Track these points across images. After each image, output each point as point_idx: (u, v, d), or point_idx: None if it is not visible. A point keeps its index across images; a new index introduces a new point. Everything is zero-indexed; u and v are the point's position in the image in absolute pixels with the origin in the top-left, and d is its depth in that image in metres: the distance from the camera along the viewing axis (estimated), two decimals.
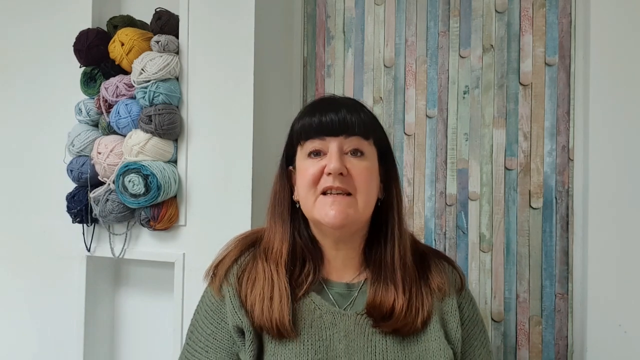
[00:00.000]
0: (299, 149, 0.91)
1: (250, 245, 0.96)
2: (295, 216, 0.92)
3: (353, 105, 0.90)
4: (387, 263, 0.90)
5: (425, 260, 0.96)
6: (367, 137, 0.88)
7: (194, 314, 0.96)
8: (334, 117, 0.86)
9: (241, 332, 0.88)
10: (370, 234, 0.93)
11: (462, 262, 1.42)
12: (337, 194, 0.85)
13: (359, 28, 1.57)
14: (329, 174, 0.85)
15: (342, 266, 0.93)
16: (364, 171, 0.87)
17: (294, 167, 0.93)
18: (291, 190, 0.93)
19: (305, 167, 0.88)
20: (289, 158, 0.94)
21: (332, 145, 0.86)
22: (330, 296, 0.91)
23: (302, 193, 0.88)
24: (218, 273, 0.93)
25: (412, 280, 0.90)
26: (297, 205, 0.92)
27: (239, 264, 0.93)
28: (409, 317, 0.86)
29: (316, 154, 0.88)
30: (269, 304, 0.85)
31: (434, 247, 1.06)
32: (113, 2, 1.69)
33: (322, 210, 0.86)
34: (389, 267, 0.89)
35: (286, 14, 1.61)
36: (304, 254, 0.91)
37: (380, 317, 0.87)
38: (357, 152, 0.87)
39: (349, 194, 0.86)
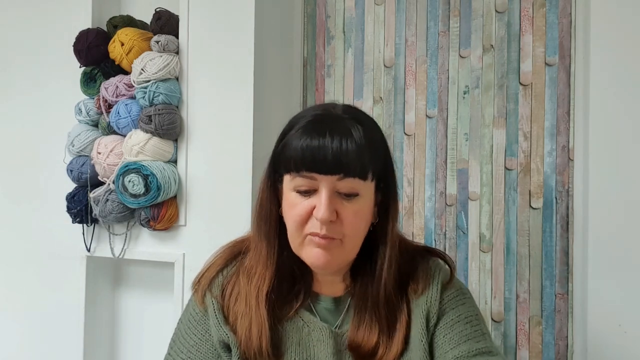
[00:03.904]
0: (286, 176, 0.80)
1: (236, 255, 0.91)
2: (282, 233, 0.84)
3: (354, 132, 0.77)
4: (372, 295, 0.84)
5: (413, 263, 0.89)
6: (365, 177, 0.78)
7: (177, 324, 0.93)
8: (328, 151, 0.75)
9: (227, 347, 0.86)
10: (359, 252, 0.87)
11: (462, 262, 1.42)
12: (324, 237, 0.78)
13: (359, 28, 1.57)
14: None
15: (331, 282, 0.89)
16: (355, 216, 0.79)
17: (281, 178, 0.83)
18: (278, 202, 0.85)
19: (292, 202, 0.79)
20: (276, 167, 0.83)
21: (324, 186, 0.77)
22: (319, 312, 0.87)
23: (289, 229, 0.82)
24: (202, 283, 0.90)
25: (395, 306, 0.84)
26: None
27: (224, 274, 0.89)
28: (390, 353, 0.82)
29: (305, 191, 0.79)
30: (248, 334, 0.82)
31: (427, 245, 1.00)
32: (113, 2, 1.69)
33: (309, 253, 0.80)
34: (374, 301, 0.84)
35: (286, 14, 1.61)
36: (293, 273, 0.85)
37: (363, 355, 0.83)
38: (351, 195, 0.78)
39: (335, 238, 0.79)
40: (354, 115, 0.81)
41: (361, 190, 0.78)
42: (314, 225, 0.78)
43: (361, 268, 0.86)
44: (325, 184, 0.77)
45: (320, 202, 0.76)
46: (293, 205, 0.79)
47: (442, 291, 0.87)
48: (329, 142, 0.75)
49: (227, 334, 0.84)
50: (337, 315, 0.87)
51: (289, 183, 0.80)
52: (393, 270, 0.84)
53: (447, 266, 0.91)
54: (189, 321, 0.90)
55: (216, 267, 0.90)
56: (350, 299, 0.87)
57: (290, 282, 0.86)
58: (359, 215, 0.79)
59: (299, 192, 0.79)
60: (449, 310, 0.86)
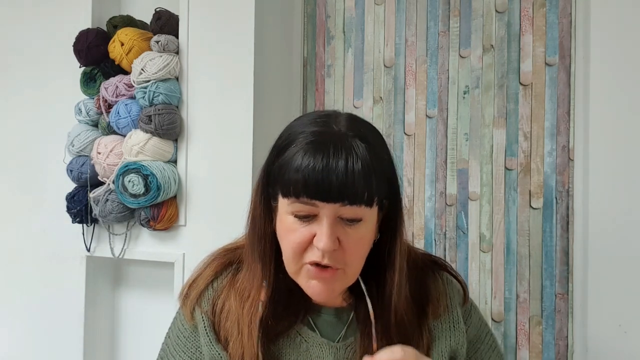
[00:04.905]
0: (283, 199, 0.73)
1: (227, 266, 0.86)
2: (279, 253, 0.77)
3: (360, 153, 0.70)
4: (383, 320, 0.78)
5: (422, 278, 0.85)
6: (370, 204, 0.71)
7: (165, 338, 0.89)
8: (332, 178, 0.68)
9: None
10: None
11: (462, 262, 1.42)
12: (325, 267, 0.73)
13: (359, 28, 1.57)
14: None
15: None
16: (358, 243, 0.73)
17: (276, 196, 0.75)
18: (272, 217, 0.78)
19: (290, 228, 0.73)
20: (270, 184, 0.76)
21: (325, 214, 0.70)
22: (320, 326, 0.82)
23: (285, 254, 0.75)
24: (190, 295, 0.84)
25: (409, 331, 0.80)
26: None
27: (214, 287, 0.84)
28: None
29: (305, 216, 0.72)
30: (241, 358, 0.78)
31: (431, 254, 0.95)
32: (113, 2, 1.69)
33: (307, 282, 0.75)
34: (385, 327, 0.78)
35: (286, 14, 1.61)
36: (290, 291, 0.79)
37: None
38: (354, 221, 0.72)
39: (337, 268, 0.74)
40: (358, 132, 0.73)
41: (365, 215, 0.72)
42: (314, 254, 0.72)
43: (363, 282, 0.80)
44: (327, 211, 0.70)
45: (322, 231, 0.70)
46: (291, 231, 0.73)
47: (464, 317, 0.87)
48: (333, 167, 0.68)
49: (219, 354, 0.80)
50: (339, 327, 0.82)
51: (286, 206, 0.73)
52: (403, 295, 0.79)
53: (458, 283, 0.90)
54: (177, 337, 0.86)
55: (205, 280, 0.85)
56: (352, 313, 0.82)
57: (287, 302, 0.80)
58: (362, 241, 0.74)
59: (297, 216, 0.72)
60: (475, 341, 0.89)
